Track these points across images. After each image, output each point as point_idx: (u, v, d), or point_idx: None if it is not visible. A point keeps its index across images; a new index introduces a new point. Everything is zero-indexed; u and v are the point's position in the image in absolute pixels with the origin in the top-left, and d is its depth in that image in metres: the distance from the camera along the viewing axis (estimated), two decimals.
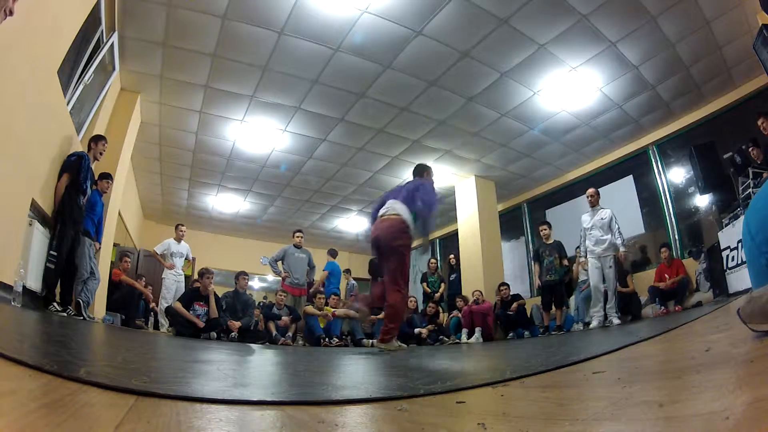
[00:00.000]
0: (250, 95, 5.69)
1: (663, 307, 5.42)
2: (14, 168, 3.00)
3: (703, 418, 0.57)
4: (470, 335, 6.44)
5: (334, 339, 5.76)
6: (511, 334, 6.51)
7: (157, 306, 6.50)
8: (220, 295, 5.55)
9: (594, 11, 4.36)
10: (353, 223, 10.63)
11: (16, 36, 2.71)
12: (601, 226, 5.29)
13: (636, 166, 7.13)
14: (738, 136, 5.15)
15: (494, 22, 4.50)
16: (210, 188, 8.70)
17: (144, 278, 6.80)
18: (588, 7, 4.31)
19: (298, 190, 8.70)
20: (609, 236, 5.24)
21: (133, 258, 7.77)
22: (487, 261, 7.67)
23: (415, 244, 3.62)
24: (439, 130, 6.55)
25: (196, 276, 5.91)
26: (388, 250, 3.21)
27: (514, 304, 6.61)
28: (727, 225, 4.70)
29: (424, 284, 7.44)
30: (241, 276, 5.79)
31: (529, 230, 8.93)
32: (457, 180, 8.25)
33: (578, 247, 5.69)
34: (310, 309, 6.02)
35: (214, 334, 4.99)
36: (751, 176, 4.41)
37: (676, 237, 6.40)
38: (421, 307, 7.34)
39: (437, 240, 10.79)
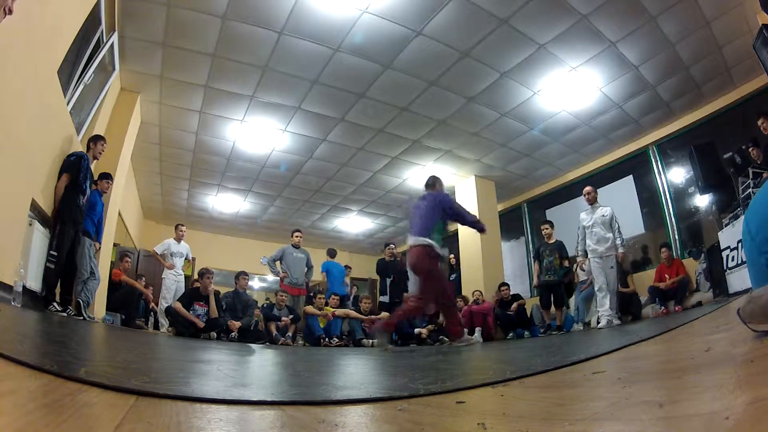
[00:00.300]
0: (250, 95, 5.69)
1: (663, 307, 5.42)
2: (14, 168, 3.00)
3: (703, 418, 0.56)
4: (470, 335, 6.43)
5: (334, 339, 5.76)
6: (511, 334, 6.51)
7: (157, 306, 6.51)
8: (220, 295, 5.55)
9: (594, 11, 4.36)
10: (353, 223, 10.63)
11: (16, 36, 2.71)
12: (602, 223, 5.19)
13: (636, 166, 7.13)
14: (738, 136, 5.16)
15: (494, 22, 4.50)
16: (210, 188, 8.70)
17: (144, 278, 6.80)
18: (588, 7, 4.31)
19: (298, 190, 8.70)
20: (611, 234, 5.14)
21: (133, 258, 7.77)
22: (487, 261, 7.67)
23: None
24: (439, 130, 6.55)
25: (196, 276, 5.91)
26: (422, 274, 3.84)
27: (514, 304, 6.61)
28: (727, 225, 4.70)
29: None
30: (241, 276, 5.79)
31: (529, 230, 8.93)
32: (457, 180, 8.25)
33: (576, 246, 5.65)
34: (310, 309, 6.02)
35: (214, 334, 4.99)
36: (751, 176, 4.41)
37: (676, 237, 6.40)
38: None
39: None
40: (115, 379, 0.90)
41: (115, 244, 6.42)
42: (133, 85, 5.50)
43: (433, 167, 7.63)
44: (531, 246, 8.51)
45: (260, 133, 6.59)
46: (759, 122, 4.16)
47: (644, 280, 6.13)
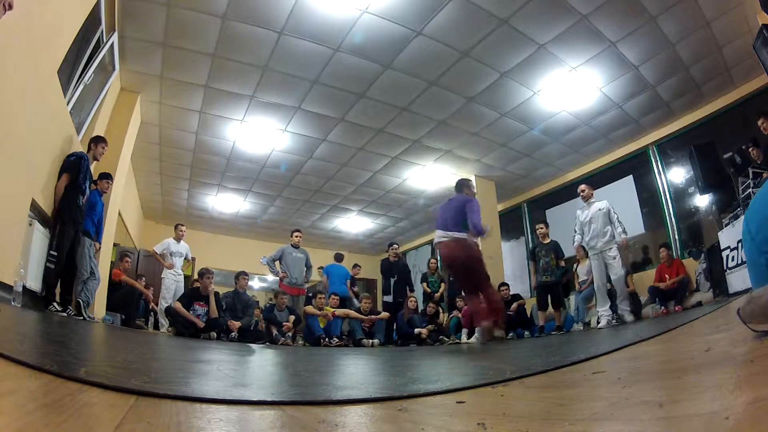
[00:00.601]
0: (250, 95, 5.69)
1: (663, 307, 5.42)
2: (14, 168, 3.00)
3: (703, 418, 0.57)
4: (470, 335, 6.42)
5: (334, 339, 5.76)
6: (510, 334, 6.51)
7: (156, 306, 6.51)
8: (220, 295, 5.55)
9: (594, 11, 4.36)
10: (353, 223, 10.63)
11: (17, 35, 2.71)
12: (600, 216, 5.15)
13: (636, 166, 7.12)
14: (738, 136, 5.16)
15: (494, 22, 4.50)
16: (210, 188, 8.69)
17: (144, 278, 6.80)
18: (588, 7, 4.31)
19: (298, 190, 8.70)
20: (609, 228, 5.09)
21: (133, 258, 7.76)
22: (486, 261, 7.64)
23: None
24: (439, 130, 6.55)
25: (195, 276, 5.91)
26: (464, 266, 4.07)
27: (514, 304, 6.60)
28: (727, 225, 4.70)
29: (424, 284, 7.43)
30: (241, 276, 5.79)
31: (528, 230, 8.92)
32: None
33: (573, 243, 5.63)
34: (310, 309, 6.01)
35: (214, 334, 4.99)
36: (751, 176, 4.41)
37: (676, 237, 6.39)
38: (421, 307, 7.33)
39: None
40: (115, 379, 0.90)
41: (115, 244, 6.42)
42: (133, 85, 5.49)
43: (433, 167, 7.63)
44: (531, 246, 8.51)
45: (260, 133, 6.59)
46: (759, 122, 4.16)
47: (644, 280, 6.13)
